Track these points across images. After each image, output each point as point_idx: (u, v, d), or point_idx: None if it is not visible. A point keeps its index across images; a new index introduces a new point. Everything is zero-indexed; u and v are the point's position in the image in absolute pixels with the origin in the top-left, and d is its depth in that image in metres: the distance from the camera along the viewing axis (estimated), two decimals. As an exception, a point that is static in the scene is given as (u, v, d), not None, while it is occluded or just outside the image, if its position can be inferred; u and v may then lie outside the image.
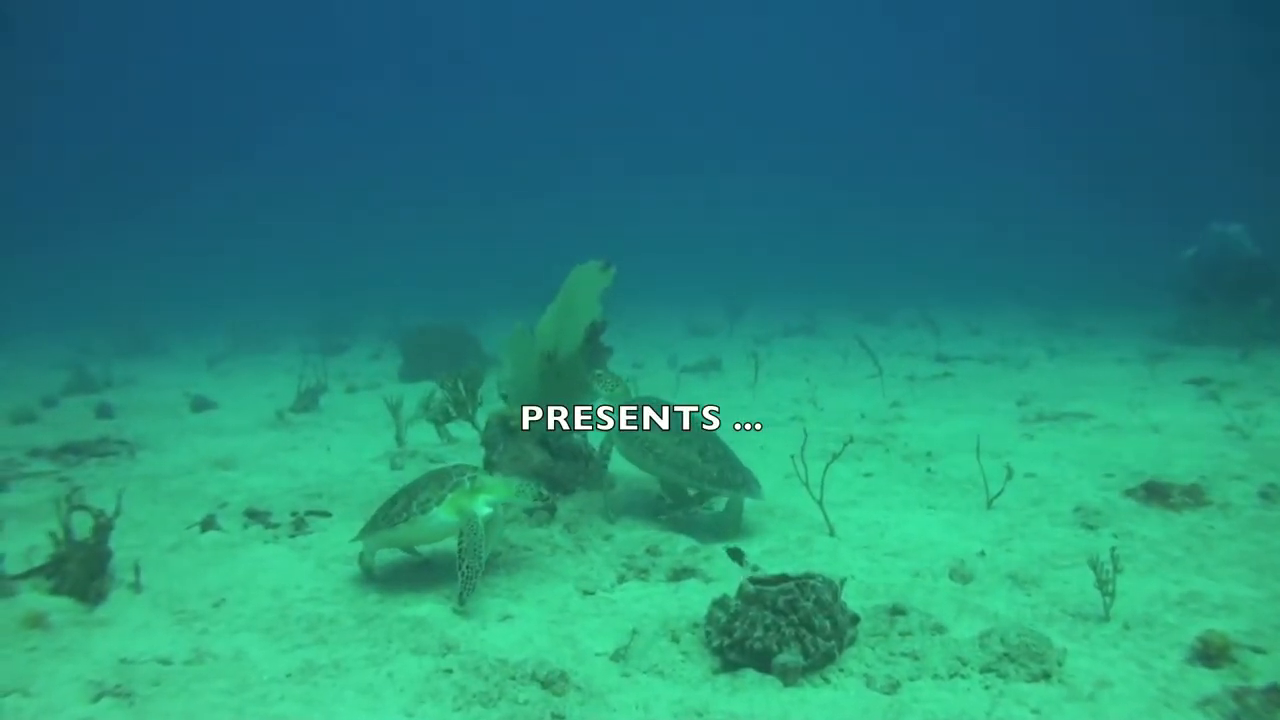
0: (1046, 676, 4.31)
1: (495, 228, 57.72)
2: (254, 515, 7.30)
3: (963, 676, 4.37)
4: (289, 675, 4.52)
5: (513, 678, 4.37)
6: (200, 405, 13.50)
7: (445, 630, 5.06)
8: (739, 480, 6.69)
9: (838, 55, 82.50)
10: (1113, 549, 5.27)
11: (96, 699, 4.27)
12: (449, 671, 4.50)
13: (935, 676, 4.37)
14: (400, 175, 74.50)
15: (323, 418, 12.59)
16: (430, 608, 5.42)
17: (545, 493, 5.87)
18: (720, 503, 7.01)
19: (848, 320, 24.39)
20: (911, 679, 4.37)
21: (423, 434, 10.49)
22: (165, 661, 4.69)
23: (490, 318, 22.72)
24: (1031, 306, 25.44)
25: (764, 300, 28.78)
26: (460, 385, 8.70)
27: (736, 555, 6.21)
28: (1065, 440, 9.61)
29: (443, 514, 5.58)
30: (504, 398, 8.07)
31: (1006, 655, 4.41)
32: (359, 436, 11.08)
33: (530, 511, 6.93)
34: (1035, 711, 4.04)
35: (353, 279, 37.60)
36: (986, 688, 4.26)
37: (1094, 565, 5.01)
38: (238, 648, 4.87)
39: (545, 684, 4.30)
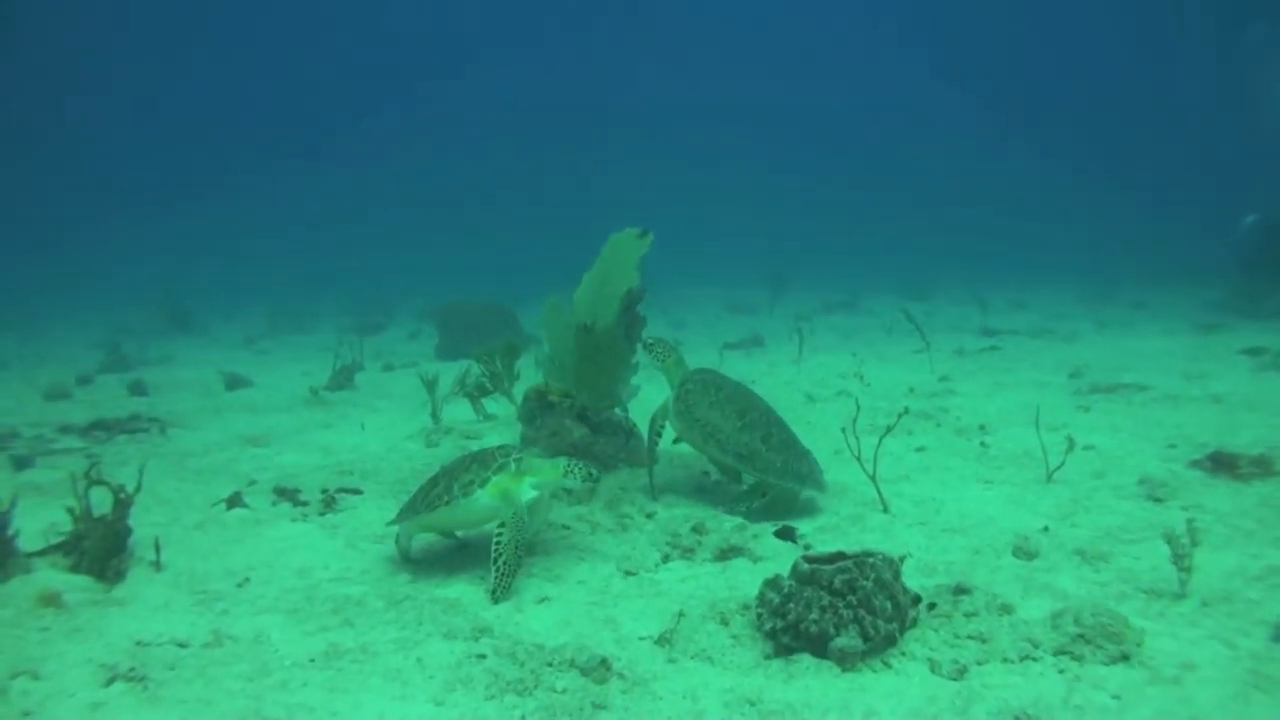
0: (1125, 658, 3.96)
1: (538, 213, 57.56)
2: (282, 493, 7.04)
3: (1034, 659, 4.02)
4: (312, 660, 4.24)
5: (550, 664, 4.07)
6: (234, 383, 13.33)
7: (479, 613, 4.77)
8: (804, 470, 6.35)
9: (877, 53, 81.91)
10: (1189, 521, 4.92)
11: (109, 683, 4.02)
12: (482, 657, 4.21)
13: (1005, 660, 4.02)
14: (444, 161, 74.54)
15: (358, 396, 12.37)
16: (463, 589, 5.14)
17: (594, 472, 5.49)
18: None
19: (889, 298, 23.96)
20: (979, 663, 4.02)
21: (459, 411, 10.22)
22: (182, 644, 4.43)
23: (531, 297, 22.44)
24: (1076, 282, 24.93)
25: (803, 281, 28.43)
26: (496, 360, 8.43)
27: (787, 534, 5.90)
28: (1122, 412, 9.23)
29: (486, 497, 5.23)
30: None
31: (1081, 636, 4.06)
32: (394, 414, 10.85)
33: (570, 491, 6.65)
34: (1116, 697, 3.70)
35: (395, 263, 37.67)
36: (1061, 671, 3.92)
37: (1169, 539, 4.65)
38: (259, 630, 4.60)
39: (585, 671, 3.99)
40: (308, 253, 45.06)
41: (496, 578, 5.01)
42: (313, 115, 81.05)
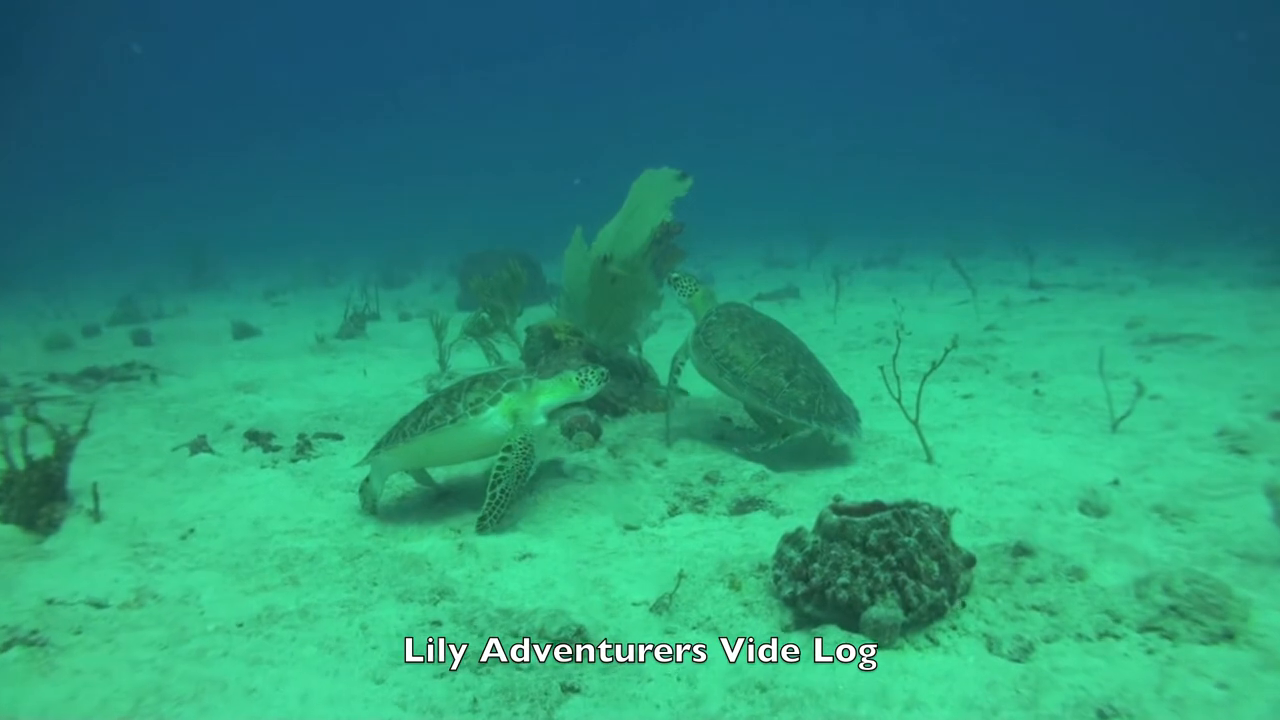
0: (1229, 637, 3.20)
1: (579, 173, 57.24)
2: (254, 437, 6.41)
3: (1116, 637, 3.27)
4: (240, 625, 3.57)
5: (514, 634, 3.36)
6: (242, 333, 12.82)
7: (446, 571, 4.09)
8: (832, 413, 5.55)
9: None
10: (1289, 476, 4.15)
11: (4, 648, 3.38)
12: (436, 624, 3.51)
13: (1080, 637, 3.28)
14: (488, 121, 74.46)
15: (368, 344, 11.80)
16: (434, 543, 4.47)
17: (604, 371, 5.12)
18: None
19: (932, 255, 23.01)
20: (1048, 640, 3.27)
21: (471, 358, 9.63)
22: (99, 604, 3.79)
23: (560, 252, 21.85)
24: (1127, 242, 23.91)
25: (845, 239, 27.54)
26: (497, 294, 7.77)
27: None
28: (1188, 362, 8.43)
29: (497, 416, 4.70)
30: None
31: (1174, 609, 3.30)
32: (402, 362, 10.26)
33: (570, 433, 5.95)
34: (1223, 685, 2.94)
35: (431, 222, 37.46)
36: (1150, 652, 3.17)
37: (1270, 492, 3.90)
38: (190, 588, 3.94)
39: (557, 643, 3.28)
40: (345, 211, 45.01)
41: (489, 504, 4.50)
42: (357, 78, 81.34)
